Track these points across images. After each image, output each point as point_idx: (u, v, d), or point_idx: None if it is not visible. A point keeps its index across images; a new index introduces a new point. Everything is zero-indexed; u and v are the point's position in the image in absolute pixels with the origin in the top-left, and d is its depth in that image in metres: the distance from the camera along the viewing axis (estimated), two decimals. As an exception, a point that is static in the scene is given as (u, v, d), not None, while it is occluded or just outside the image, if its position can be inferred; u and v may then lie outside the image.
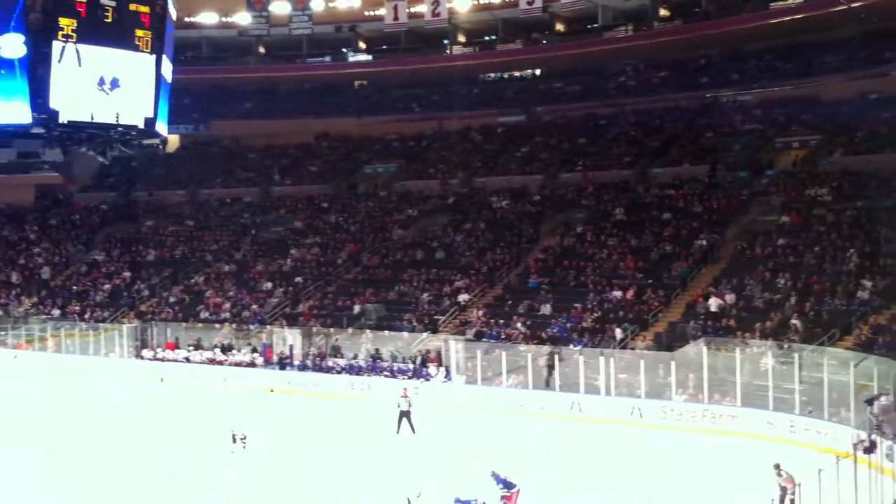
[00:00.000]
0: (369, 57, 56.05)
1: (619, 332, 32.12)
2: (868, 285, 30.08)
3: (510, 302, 36.77)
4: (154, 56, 19.77)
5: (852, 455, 18.43)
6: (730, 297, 32.46)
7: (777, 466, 19.37)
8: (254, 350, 37.26)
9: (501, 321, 35.20)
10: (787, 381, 26.07)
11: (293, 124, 54.68)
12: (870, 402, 23.06)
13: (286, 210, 50.04)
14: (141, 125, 19.88)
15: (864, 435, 20.69)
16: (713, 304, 32.16)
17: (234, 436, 24.57)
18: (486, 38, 53.92)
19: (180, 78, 21.57)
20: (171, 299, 43.77)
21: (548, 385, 30.18)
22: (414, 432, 26.83)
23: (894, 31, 40.06)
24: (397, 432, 26.96)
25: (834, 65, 43.59)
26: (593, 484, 21.49)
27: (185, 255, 47.76)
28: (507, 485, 19.04)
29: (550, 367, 30.20)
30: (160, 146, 29.36)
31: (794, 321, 29.50)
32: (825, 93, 42.95)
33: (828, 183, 37.41)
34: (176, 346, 38.93)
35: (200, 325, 40.73)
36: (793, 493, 18.46)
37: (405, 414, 27.06)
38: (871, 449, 19.94)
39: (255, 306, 41.26)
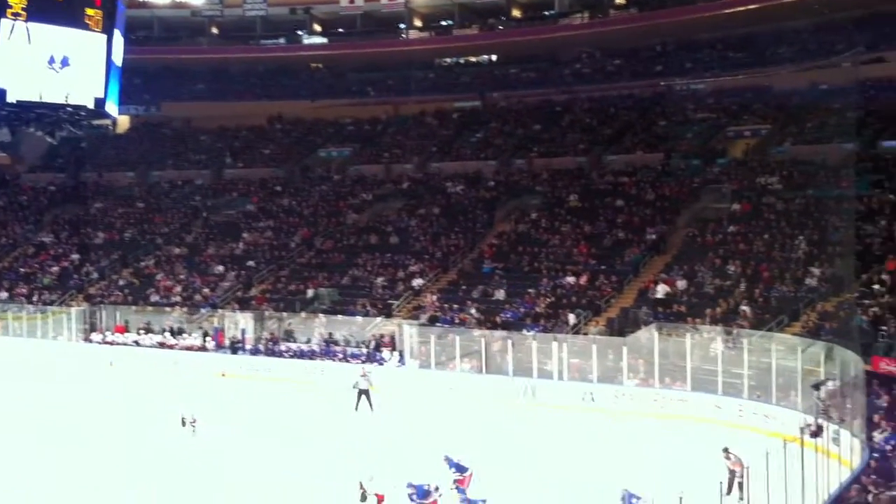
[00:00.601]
0: (324, 40, 55.59)
1: (571, 318, 32.35)
2: (816, 272, 30.57)
3: (464, 287, 36.82)
4: (105, 35, 19.36)
5: (799, 439, 18.75)
6: (681, 284, 32.84)
7: (726, 450, 19.68)
8: (205, 334, 36.92)
9: (455, 306, 35.23)
10: (735, 366, 26.46)
11: (246, 106, 54.11)
12: (816, 387, 23.50)
13: (238, 193, 49.54)
14: (91, 105, 19.48)
15: (810, 419, 21.08)
16: (660, 290, 32.55)
17: (183, 419, 24.37)
18: (443, 22, 53.73)
19: (131, 58, 21.15)
20: (121, 282, 43.17)
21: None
22: (372, 410, 27.44)
23: (845, 22, 40.62)
24: (356, 409, 27.55)
25: (785, 55, 44.10)
26: (546, 467, 21.63)
27: (135, 238, 47.11)
28: (460, 468, 19.11)
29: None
30: (110, 127, 29.10)
31: (743, 307, 29.93)
32: (777, 83, 43.46)
33: (778, 172, 37.90)
34: (126, 330, 38.45)
35: (150, 308, 40.25)
36: (741, 476, 18.74)
37: (364, 392, 27.79)
38: (817, 433, 20.31)
39: (206, 290, 40.83)
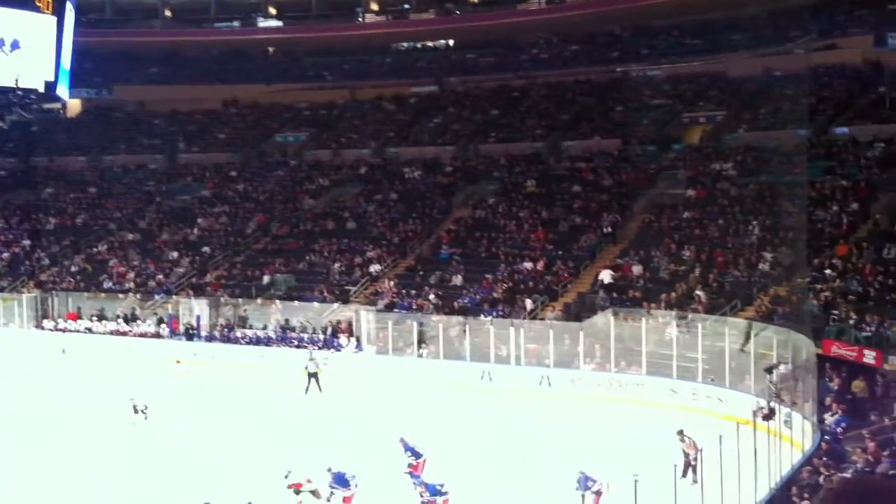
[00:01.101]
0: (280, 23, 54.94)
1: (529, 303, 32.45)
2: (769, 257, 30.92)
3: (422, 273, 36.77)
4: (55, 18, 19.06)
5: (752, 422, 18.99)
6: (637, 269, 33.06)
7: (680, 432, 19.89)
8: (159, 321, 36.52)
9: (413, 292, 35.18)
10: (690, 350, 26.74)
11: (200, 90, 53.42)
12: (769, 370, 23.83)
13: (193, 178, 48.97)
14: (41, 89, 19.19)
15: (763, 402, 21.37)
16: (605, 276, 32.80)
17: (135, 406, 24.11)
18: (400, 6, 53.42)
19: (83, 41, 20.85)
20: (73, 268, 42.50)
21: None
22: (321, 391, 28.12)
23: (798, 9, 41.05)
24: (306, 393, 28.06)
25: (740, 42, 44.47)
26: (503, 452, 21.70)
27: (88, 223, 46.40)
28: (415, 453, 19.13)
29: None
30: (61, 111, 28.52)
31: (697, 292, 30.20)
32: (731, 69, 43.85)
33: (732, 158, 38.25)
34: (78, 317, 37.93)
35: (103, 295, 39.71)
36: (695, 459, 18.95)
37: (313, 375, 28.44)
38: (770, 416, 20.58)
39: (160, 276, 40.36)
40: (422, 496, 17.25)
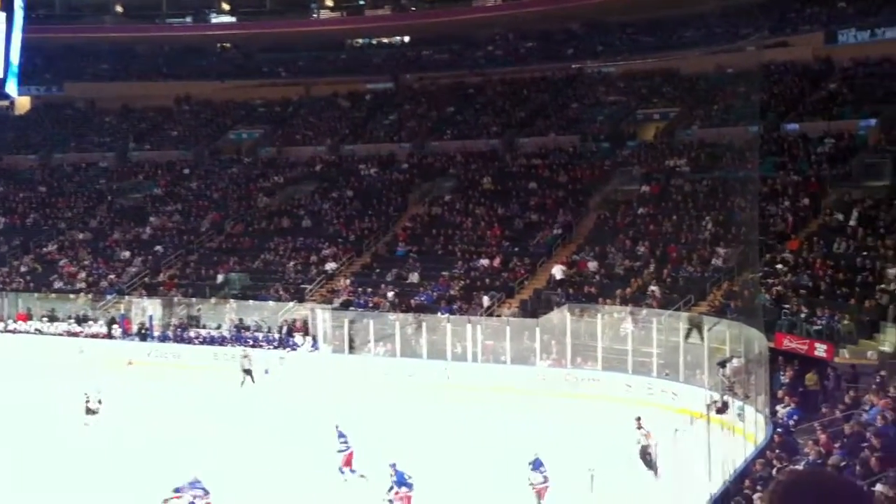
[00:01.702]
0: (233, 19, 54.49)
1: (485, 300, 32.45)
2: (722, 253, 31.25)
3: (378, 270, 36.64)
4: (4, 13, 18.55)
5: (706, 415, 19.16)
6: (592, 265, 33.23)
7: (638, 419, 20.12)
8: (111, 321, 35.98)
9: (369, 290, 35.03)
10: (645, 345, 26.91)
11: (152, 87, 52.79)
12: (722, 364, 24.00)
13: (145, 176, 48.33)
14: (-12, 86, 18.65)
15: (716, 396, 21.56)
16: (557, 272, 32.94)
17: (87, 407, 23.76)
18: (354, 2, 53.18)
19: (32, 37, 20.36)
20: (23, 268, 41.75)
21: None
22: (254, 382, 29.15)
23: (750, 7, 41.50)
24: (241, 386, 28.91)
25: (693, 39, 44.90)
26: (459, 448, 21.65)
27: (38, 223, 45.60)
28: (345, 441, 19.63)
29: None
30: (9, 108, 27.97)
31: (652, 287, 30.42)
32: (684, 66, 44.23)
33: (685, 154, 38.60)
34: (28, 318, 37.27)
35: (54, 295, 39.04)
36: (650, 447, 19.18)
37: (247, 372, 29.37)
38: (723, 409, 20.81)
39: (112, 276, 39.78)
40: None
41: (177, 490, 16.98)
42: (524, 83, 48.36)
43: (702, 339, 25.07)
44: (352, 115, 50.28)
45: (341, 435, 19.84)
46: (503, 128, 45.38)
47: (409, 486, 17.69)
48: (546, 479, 17.71)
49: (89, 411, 23.86)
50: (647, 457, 19.67)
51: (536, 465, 17.83)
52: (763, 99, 37.70)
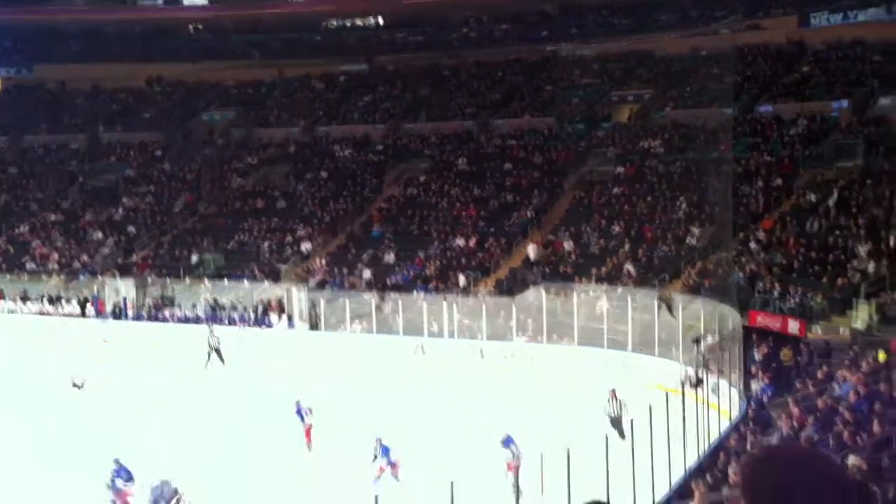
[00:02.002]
0: (205, 1, 53.99)
1: (462, 279, 32.52)
2: (696, 232, 31.50)
3: (354, 251, 36.59)
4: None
5: (680, 390, 19.33)
6: (567, 245, 33.38)
7: (613, 391, 20.77)
8: (84, 301, 35.72)
9: (345, 270, 34.99)
10: (620, 322, 27.08)
11: (123, 68, 52.16)
12: (696, 341, 24.30)
13: (117, 158, 47.89)
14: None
15: (691, 371, 21.78)
16: (532, 251, 33.14)
17: (74, 382, 23.86)
18: (329, -17, 52.85)
19: (2, 18, 20.14)
20: (-6, 250, 41.39)
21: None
22: (223, 362, 28.79)
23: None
24: (206, 366, 28.73)
25: (667, 22, 45.08)
26: (434, 422, 21.71)
27: (9, 205, 45.12)
28: (305, 416, 20.14)
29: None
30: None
31: (627, 266, 30.61)
32: (659, 48, 44.40)
33: (660, 135, 38.79)
34: (1, 298, 36.88)
35: (27, 276, 38.69)
36: (622, 419, 19.52)
37: (215, 350, 29.16)
38: (698, 384, 20.98)
39: (84, 257, 39.46)
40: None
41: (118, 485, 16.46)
42: (499, 65, 48.35)
43: (672, 315, 25.30)
44: (326, 96, 50.07)
45: (299, 411, 20.41)
46: (478, 109, 45.36)
47: (392, 461, 17.83)
48: (518, 456, 17.78)
49: (75, 385, 24.14)
50: (619, 427, 19.97)
51: (507, 443, 17.93)
52: (737, 81, 38.04)
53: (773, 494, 2.13)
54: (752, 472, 2.22)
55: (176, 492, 15.58)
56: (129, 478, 16.44)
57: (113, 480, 16.34)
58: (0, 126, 51.86)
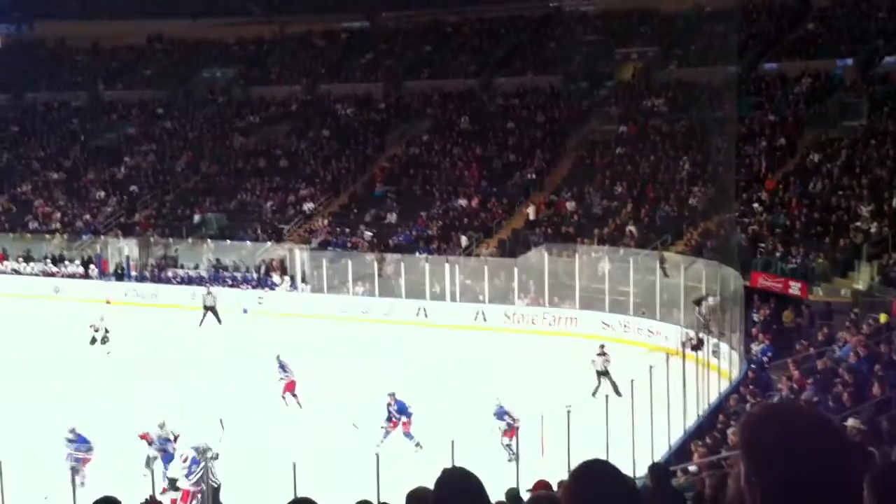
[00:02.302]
0: (206, -44, 53.36)
1: (464, 240, 32.53)
2: (698, 193, 31.44)
3: (356, 211, 36.56)
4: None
5: (681, 352, 19.43)
6: (570, 205, 33.34)
7: (602, 346, 21.62)
8: (88, 261, 35.79)
9: (347, 230, 35.01)
10: (622, 284, 27.13)
11: (123, 26, 51.64)
12: (698, 302, 24.37)
13: (118, 116, 47.69)
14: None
15: (692, 333, 21.85)
16: (531, 211, 33.06)
17: (94, 337, 24.16)
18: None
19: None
20: (-3, 209, 41.43)
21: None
22: (219, 322, 28.94)
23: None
24: (200, 325, 28.91)
25: (672, -22, 44.49)
26: (435, 384, 21.85)
27: (11, 163, 45.04)
28: (286, 371, 20.76)
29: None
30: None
31: (629, 227, 30.60)
32: (663, 6, 43.85)
33: (663, 94, 38.52)
34: (4, 258, 37.00)
35: (29, 235, 38.75)
36: (609, 373, 19.98)
37: (210, 309, 29.33)
38: (698, 346, 21.08)
39: (87, 216, 39.49)
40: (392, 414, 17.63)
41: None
42: (501, 22, 47.87)
43: (665, 274, 25.31)
44: (327, 54, 49.68)
45: (282, 366, 20.92)
46: (480, 68, 45.03)
47: (410, 414, 18.26)
48: (514, 423, 17.84)
49: (94, 341, 25.07)
50: (610, 380, 20.72)
51: (500, 415, 18.01)
52: (741, 39, 37.57)
53: (773, 453, 2.12)
54: (752, 430, 2.19)
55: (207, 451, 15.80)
56: (86, 446, 16.30)
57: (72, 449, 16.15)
58: (1, 84, 51.61)
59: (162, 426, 16.78)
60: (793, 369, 17.84)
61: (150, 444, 16.63)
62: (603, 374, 21.04)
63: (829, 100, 33.97)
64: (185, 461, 15.59)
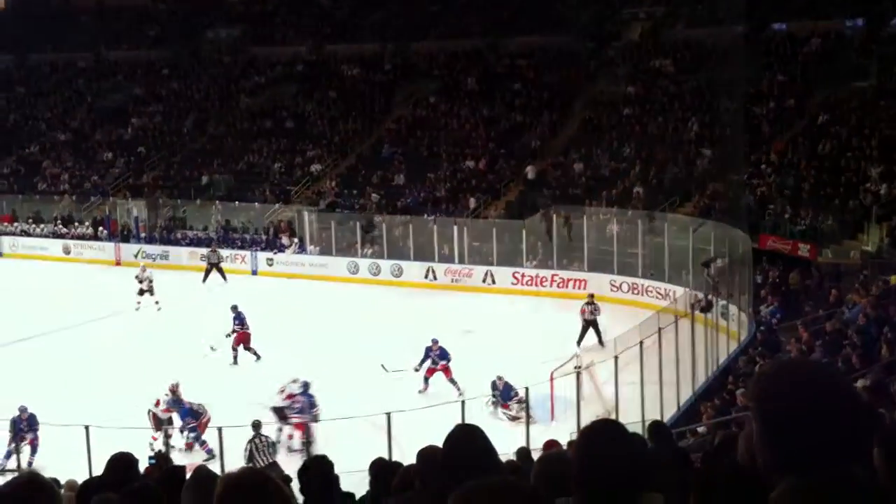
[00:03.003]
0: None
1: (472, 202, 32.57)
2: (707, 154, 31.38)
3: (363, 172, 36.56)
4: None
5: (689, 314, 19.59)
6: (578, 166, 33.31)
7: (591, 296, 22.56)
8: (97, 222, 35.92)
9: (355, 191, 35.03)
10: (630, 246, 27.22)
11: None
12: (706, 264, 24.46)
13: (124, 76, 47.53)
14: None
15: (700, 295, 21.99)
16: (530, 172, 33.11)
17: (141, 288, 26.11)
18: None
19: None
20: (5, 170, 41.41)
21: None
22: (225, 281, 29.26)
23: None
24: (203, 282, 29.33)
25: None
26: (446, 345, 22.02)
27: (18, 124, 45.00)
28: (242, 322, 21.31)
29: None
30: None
31: (637, 189, 30.61)
32: (672, -36, 43.44)
33: (671, 54, 38.30)
34: (13, 220, 37.13)
35: (38, 197, 38.85)
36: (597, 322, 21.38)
37: (214, 265, 29.72)
38: (707, 308, 21.25)
39: (95, 177, 39.54)
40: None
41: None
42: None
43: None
44: (333, 13, 49.29)
45: (238, 317, 21.45)
46: (487, 28, 44.67)
47: (450, 359, 19.14)
48: (515, 395, 18.00)
49: (142, 292, 26.21)
50: (595, 328, 21.55)
51: (505, 395, 18.11)
52: (749, -2, 37.31)
53: (785, 409, 2.11)
54: (764, 386, 2.19)
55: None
56: (33, 426, 16.00)
57: (18, 428, 15.83)
58: (4, 44, 51.34)
59: (175, 387, 16.99)
60: (801, 331, 17.98)
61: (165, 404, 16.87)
62: (590, 323, 21.83)
63: (838, 60, 33.76)
64: (287, 396, 16.46)
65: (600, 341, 21.16)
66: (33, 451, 16.00)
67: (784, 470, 2.12)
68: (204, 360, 21.21)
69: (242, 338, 21.40)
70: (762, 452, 2.16)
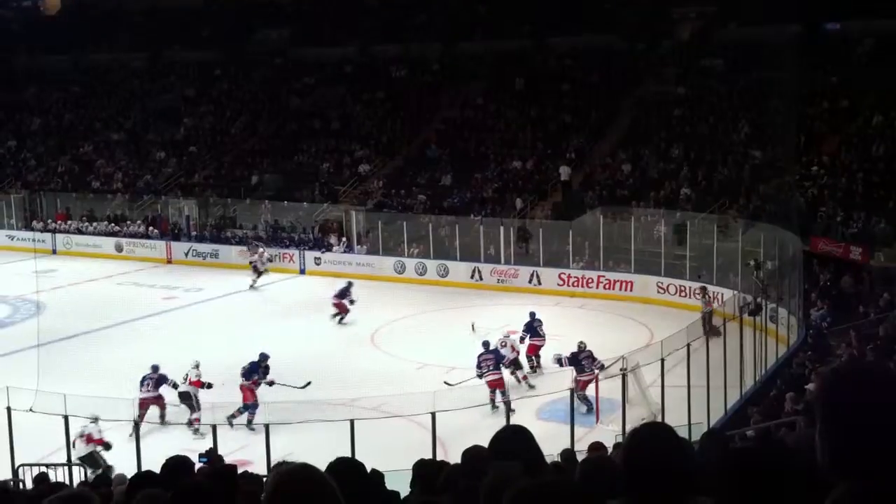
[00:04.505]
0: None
1: (518, 202, 32.57)
2: (757, 155, 31.04)
3: (410, 173, 36.72)
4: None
5: (738, 317, 19.40)
6: (626, 168, 33.15)
7: (703, 288, 23.05)
8: (149, 220, 36.52)
9: (402, 191, 35.21)
10: (678, 248, 27.03)
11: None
12: (756, 266, 24.20)
13: (176, 77, 48.23)
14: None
15: (749, 298, 21.75)
16: (563, 172, 32.98)
17: (256, 268, 29.14)
18: None
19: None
20: (60, 169, 42.26)
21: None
22: (257, 278, 30.13)
23: None
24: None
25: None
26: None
27: (73, 123, 45.88)
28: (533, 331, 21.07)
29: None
30: (42, 8, 27.98)
31: (685, 190, 30.38)
32: (723, -37, 43.01)
33: (722, 54, 37.91)
34: (67, 218, 37.86)
35: (91, 195, 39.58)
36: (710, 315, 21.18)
37: (253, 266, 30.28)
38: (756, 311, 21.01)
39: (147, 176, 40.19)
40: None
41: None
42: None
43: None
44: (381, 14, 49.50)
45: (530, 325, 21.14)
46: (534, 28, 44.57)
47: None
48: (582, 371, 18.10)
49: (258, 272, 28.55)
50: (709, 325, 20.82)
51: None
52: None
53: (852, 410, 2.12)
54: (830, 388, 2.19)
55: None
56: (160, 384, 17.20)
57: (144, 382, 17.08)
58: (61, 45, 52.27)
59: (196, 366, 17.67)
60: (852, 335, 17.77)
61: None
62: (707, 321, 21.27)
63: (892, 60, 33.17)
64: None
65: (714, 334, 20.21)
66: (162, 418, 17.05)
67: (841, 471, 2.13)
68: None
69: (533, 348, 20.82)
70: (822, 451, 2.17)
